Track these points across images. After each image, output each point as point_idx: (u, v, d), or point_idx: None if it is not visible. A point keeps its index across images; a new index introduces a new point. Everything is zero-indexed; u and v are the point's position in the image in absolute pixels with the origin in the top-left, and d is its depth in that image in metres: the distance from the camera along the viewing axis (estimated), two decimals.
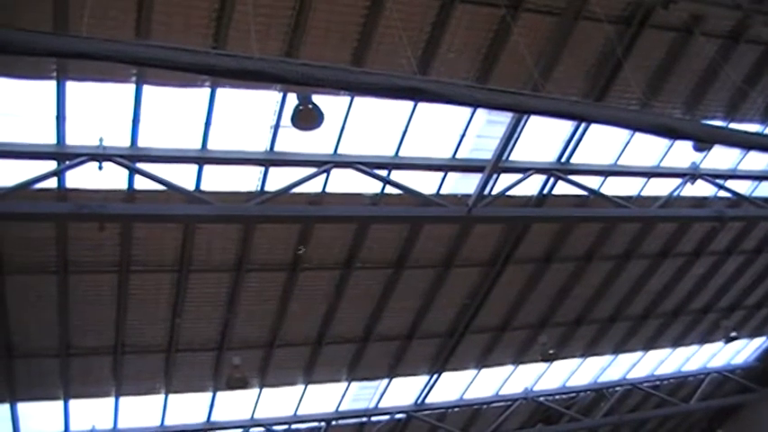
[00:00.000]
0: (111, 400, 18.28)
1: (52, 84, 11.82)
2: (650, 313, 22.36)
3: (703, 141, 14.63)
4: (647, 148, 16.69)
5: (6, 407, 17.53)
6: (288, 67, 8.87)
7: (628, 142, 16.22)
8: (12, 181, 11.93)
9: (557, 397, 23.93)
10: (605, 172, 16.69)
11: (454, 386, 22.15)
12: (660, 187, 17.41)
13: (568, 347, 22.17)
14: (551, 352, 20.81)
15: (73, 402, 17.99)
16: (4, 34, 7.45)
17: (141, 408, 18.86)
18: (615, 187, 16.92)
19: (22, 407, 17.71)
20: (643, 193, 17.63)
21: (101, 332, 16.50)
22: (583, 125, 15.15)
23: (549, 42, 13.53)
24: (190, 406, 19.35)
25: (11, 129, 12.20)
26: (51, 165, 12.56)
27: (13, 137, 12.29)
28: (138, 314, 16.30)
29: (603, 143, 16.18)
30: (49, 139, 12.41)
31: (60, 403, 17.89)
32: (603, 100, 14.73)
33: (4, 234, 13.88)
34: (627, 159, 16.68)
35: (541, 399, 23.52)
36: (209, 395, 19.15)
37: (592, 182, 16.40)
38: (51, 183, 12.78)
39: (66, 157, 12.45)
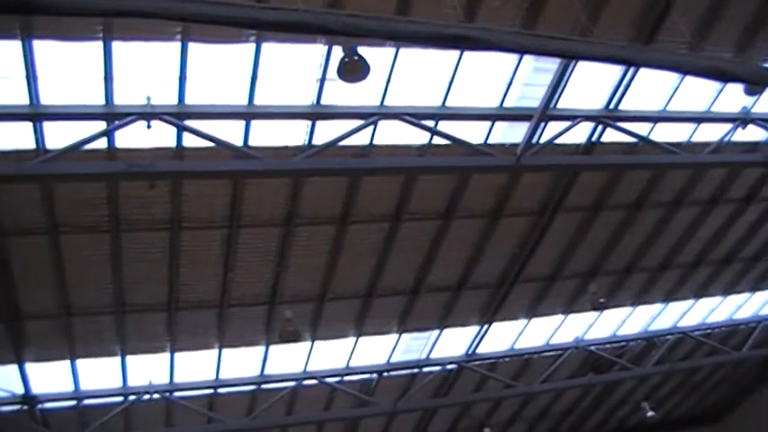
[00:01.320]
0: (167, 355, 18.62)
1: (99, 44, 11.88)
2: (701, 261, 22.09)
3: (755, 84, 14.34)
4: (696, 93, 16.40)
5: (66, 363, 17.93)
6: (333, 18, 8.82)
7: (677, 87, 15.93)
8: (63, 143, 12.09)
9: (607, 346, 23.81)
10: (654, 118, 16.44)
11: (504, 336, 22.20)
12: (710, 133, 17.10)
13: (619, 296, 22.04)
14: (601, 301, 20.67)
15: (129, 358, 18.36)
16: None
17: (196, 362, 19.18)
18: (664, 133, 16.65)
19: (81, 363, 18.10)
20: (693, 139, 17.32)
21: (154, 289, 16.74)
22: (631, 71, 14.93)
23: None
24: (243, 360, 19.62)
25: (60, 91, 12.33)
26: (101, 125, 12.68)
27: (62, 99, 12.43)
28: (190, 270, 16.51)
29: (652, 89, 15.91)
30: (98, 99, 12.53)
31: (117, 359, 18.27)
32: (652, 44, 14.46)
33: (57, 195, 14.09)
34: (676, 105, 16.39)
35: (592, 348, 23.44)
36: (261, 349, 19.41)
37: (641, 128, 16.17)
38: (101, 143, 12.92)
39: (114, 116, 12.57)
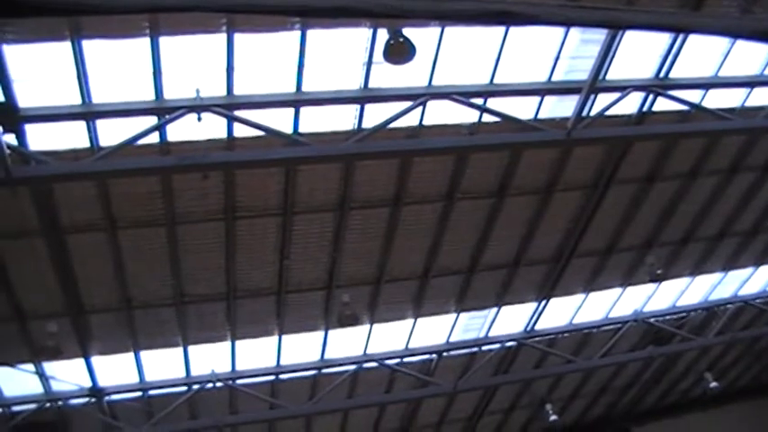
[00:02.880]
0: (228, 344, 18.86)
1: (146, 41, 12.02)
2: (760, 228, 21.75)
3: None
4: (748, 57, 16.10)
5: (131, 355, 18.25)
6: (375, 1, 8.82)
7: (728, 52, 15.64)
8: (116, 139, 12.27)
9: (667, 317, 23.58)
10: (706, 84, 16.15)
11: (563, 312, 22.11)
12: (764, 97, 16.82)
13: (677, 267, 21.82)
14: (659, 272, 20.50)
15: (192, 348, 18.64)
16: None
17: (257, 350, 19.39)
18: (717, 100, 16.39)
19: (145, 355, 18.42)
20: (747, 104, 17.04)
21: (212, 279, 16.95)
22: (680, 37, 14.69)
23: None
24: (303, 345, 19.79)
25: (110, 89, 12.50)
26: (152, 120, 12.82)
27: (113, 97, 12.61)
28: (246, 259, 16.68)
29: (702, 55, 15.67)
30: (148, 95, 12.69)
31: (180, 350, 18.55)
32: (700, 9, 14.23)
33: (113, 191, 14.31)
34: (728, 70, 16.09)
35: (651, 320, 23.22)
36: (321, 334, 19.56)
37: (692, 96, 15.94)
38: (153, 138, 13.08)
39: (165, 111, 12.70)
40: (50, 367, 17.89)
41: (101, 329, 17.29)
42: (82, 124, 12.83)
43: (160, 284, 16.68)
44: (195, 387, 19.34)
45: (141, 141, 12.51)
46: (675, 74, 15.55)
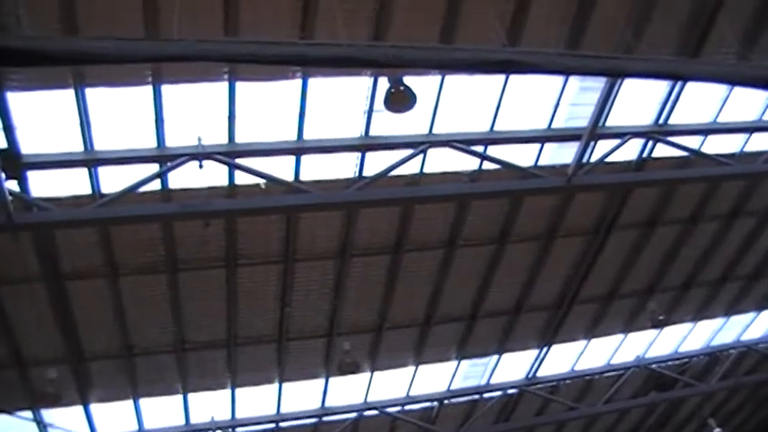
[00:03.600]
0: (228, 391, 18.73)
1: (149, 89, 12.11)
2: (761, 272, 21.75)
3: None
4: (747, 102, 16.19)
5: (130, 403, 18.13)
6: (377, 51, 8.92)
7: (726, 98, 15.75)
8: (118, 186, 12.30)
9: (669, 363, 23.47)
10: (705, 130, 16.24)
11: (565, 358, 22.01)
12: (763, 142, 16.89)
13: (679, 312, 21.76)
14: (661, 318, 20.44)
15: (191, 396, 18.51)
16: (100, 46, 7.66)
17: (257, 397, 19.27)
18: (716, 145, 16.46)
19: (144, 402, 18.29)
20: (746, 149, 17.09)
21: (213, 326, 16.90)
22: (679, 84, 14.79)
23: (639, 1, 13.23)
24: (304, 393, 19.67)
25: (113, 136, 12.58)
26: (154, 167, 12.83)
27: (115, 144, 12.67)
28: (247, 306, 16.65)
29: (701, 101, 15.76)
30: (150, 142, 12.75)
31: (180, 397, 18.43)
32: (699, 56, 14.34)
33: (114, 238, 14.32)
34: (726, 116, 16.20)
35: (654, 366, 23.12)
36: (322, 381, 19.45)
37: (692, 142, 16.02)
38: (155, 185, 13.10)
39: (167, 158, 12.75)
40: (49, 414, 17.75)
41: (101, 376, 17.20)
42: (84, 171, 12.87)
43: (161, 331, 16.62)
44: None
45: (143, 188, 12.52)
46: (674, 120, 15.65)
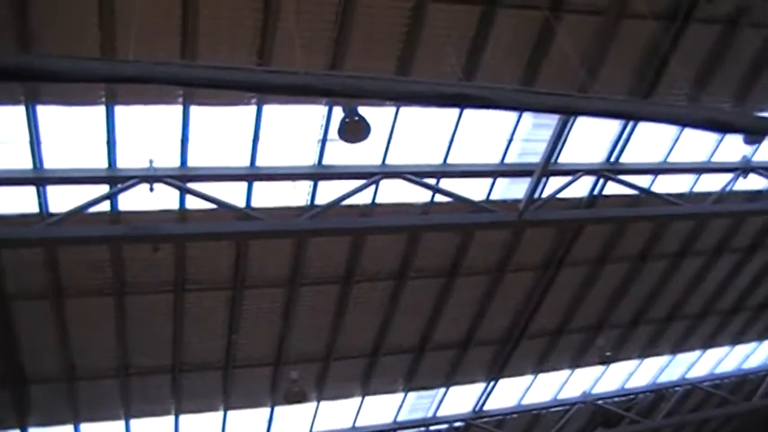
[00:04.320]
0: (171, 418, 18.44)
1: (102, 109, 11.98)
2: (708, 311, 22.02)
3: (755, 134, 14.40)
4: (697, 144, 16.46)
5: (70, 428, 17.78)
6: (334, 80, 8.89)
7: (677, 139, 15.99)
8: (66, 206, 12.17)
9: (615, 399, 23.62)
10: (655, 170, 16.47)
11: (512, 392, 22.02)
12: (712, 183, 17.14)
13: (626, 349, 21.92)
14: (608, 354, 20.57)
15: (134, 422, 18.19)
16: (54, 63, 7.55)
17: (201, 425, 19.00)
18: (666, 185, 16.70)
19: (85, 428, 17.94)
20: (695, 190, 17.34)
21: (159, 351, 16.67)
22: (631, 124, 15.01)
23: (594, 42, 13.44)
24: (249, 421, 19.44)
25: (63, 155, 12.41)
26: (104, 188, 12.71)
27: (65, 163, 12.50)
28: (194, 332, 16.45)
29: (652, 141, 15.98)
30: (101, 163, 12.60)
31: (122, 423, 18.10)
32: (651, 97, 14.56)
33: (61, 259, 14.10)
34: (677, 156, 16.45)
35: (600, 402, 23.25)
36: (267, 410, 19.23)
37: (642, 181, 16.24)
38: (104, 206, 12.96)
39: (117, 180, 12.61)
40: None
41: (40, 400, 16.82)
42: (32, 190, 12.66)
43: (105, 355, 16.35)
44: None
45: (92, 209, 12.38)
46: (626, 159, 15.84)
